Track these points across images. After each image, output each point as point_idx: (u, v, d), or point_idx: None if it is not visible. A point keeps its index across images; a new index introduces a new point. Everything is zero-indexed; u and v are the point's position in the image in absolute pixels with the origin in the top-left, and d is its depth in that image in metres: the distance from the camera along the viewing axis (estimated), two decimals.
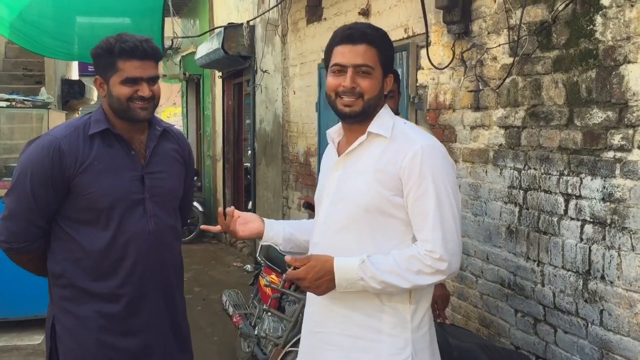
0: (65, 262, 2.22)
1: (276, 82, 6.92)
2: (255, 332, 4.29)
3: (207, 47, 8.28)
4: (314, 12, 5.84)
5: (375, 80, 1.85)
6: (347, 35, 1.86)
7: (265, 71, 7.21)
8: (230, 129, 9.49)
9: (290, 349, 3.71)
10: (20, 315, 4.96)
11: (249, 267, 5.01)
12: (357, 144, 1.90)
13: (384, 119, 1.90)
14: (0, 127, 6.97)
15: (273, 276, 4.37)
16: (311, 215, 4.08)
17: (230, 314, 4.69)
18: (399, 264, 1.78)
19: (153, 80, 2.23)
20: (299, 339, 3.69)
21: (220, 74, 9.57)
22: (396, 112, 2.88)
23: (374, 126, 1.88)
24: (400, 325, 1.85)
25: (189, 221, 9.74)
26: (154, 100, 2.25)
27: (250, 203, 8.27)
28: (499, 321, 3.30)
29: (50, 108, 5.55)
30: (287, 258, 1.90)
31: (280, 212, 6.91)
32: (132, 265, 2.23)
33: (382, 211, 1.83)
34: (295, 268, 1.85)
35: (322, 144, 5.64)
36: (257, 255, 4.84)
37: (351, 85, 1.83)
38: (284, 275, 1.98)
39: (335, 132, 2.02)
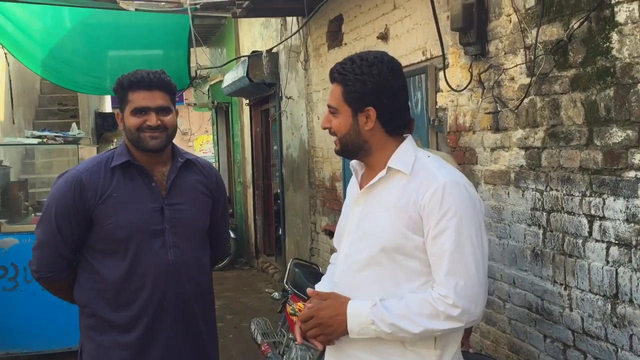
0: (90, 292, 2.30)
1: (300, 108, 6.96)
2: None
3: (232, 76, 8.40)
4: (335, 37, 5.88)
5: (342, 118, 1.81)
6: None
7: (290, 97, 7.27)
8: (259, 156, 9.56)
9: None
10: (54, 347, 5.04)
11: (276, 294, 4.98)
12: (376, 179, 1.83)
13: (406, 153, 1.82)
14: (35, 163, 7.20)
15: (300, 304, 4.35)
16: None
17: (259, 342, 4.68)
18: (410, 308, 1.70)
19: (163, 110, 2.29)
20: None
21: (247, 101, 9.68)
22: None
23: (393, 161, 1.81)
24: None
25: None
26: (166, 130, 2.30)
27: (281, 229, 8.29)
28: (528, 347, 3.21)
29: (80, 144, 5.68)
30: (309, 290, 1.87)
31: (308, 237, 6.90)
32: (149, 296, 2.28)
33: (402, 251, 1.75)
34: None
35: (346, 168, 5.63)
36: (285, 282, 4.83)
37: (324, 126, 1.89)
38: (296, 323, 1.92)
39: (358, 164, 1.95)
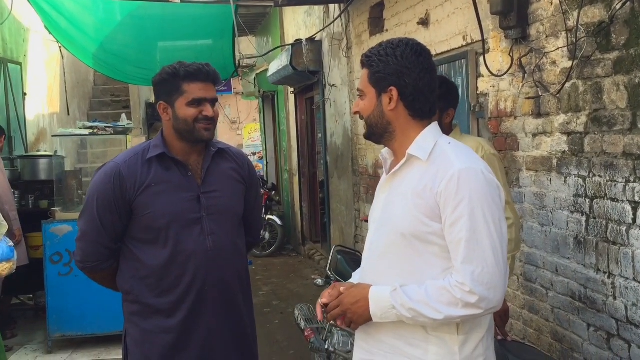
0: (132, 279, 2.38)
1: (344, 96, 6.96)
2: (326, 346, 4.31)
3: (277, 65, 8.46)
4: (377, 24, 5.85)
5: (367, 100, 1.86)
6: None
7: (333, 85, 7.27)
8: (304, 143, 9.61)
9: None
10: (108, 330, 5.22)
11: (319, 281, 5.03)
12: (398, 166, 1.85)
13: (426, 140, 1.83)
14: (88, 153, 7.45)
15: None
16: None
17: (302, 328, 4.74)
18: (429, 294, 1.72)
19: (214, 102, 2.36)
20: None
21: (292, 89, 9.73)
22: (448, 127, 2.82)
23: (413, 147, 1.82)
24: (448, 357, 1.76)
25: (268, 235, 10.00)
26: (214, 121, 2.37)
27: (326, 216, 8.34)
28: (571, 336, 3.16)
29: (129, 133, 5.84)
30: (328, 301, 1.88)
31: (353, 224, 6.93)
32: (190, 282, 2.34)
33: (421, 238, 1.77)
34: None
35: None
36: (328, 269, 4.88)
37: (354, 110, 1.93)
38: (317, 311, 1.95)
39: (387, 152, 1.97)
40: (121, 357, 5.19)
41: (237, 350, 2.46)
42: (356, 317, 1.81)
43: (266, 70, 9.88)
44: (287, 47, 8.15)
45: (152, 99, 13.44)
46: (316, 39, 7.65)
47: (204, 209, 2.36)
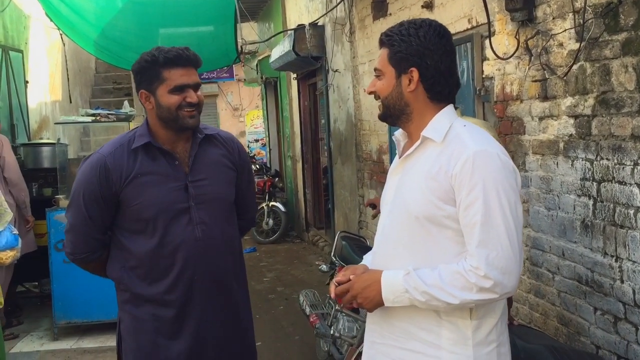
0: (122, 270, 2.34)
1: (347, 81, 6.92)
2: (331, 331, 4.32)
3: (279, 50, 8.40)
4: (380, 8, 5.79)
5: (385, 80, 1.82)
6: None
7: (336, 70, 7.23)
8: (308, 130, 9.58)
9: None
10: (113, 317, 5.15)
11: (324, 267, 5.01)
12: (413, 148, 1.82)
13: (441, 122, 1.80)
14: (90, 140, 7.43)
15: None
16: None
17: (307, 313, 4.74)
18: (443, 279, 1.70)
19: (197, 87, 2.28)
20: None
21: (294, 75, 9.68)
22: None
23: (427, 129, 1.79)
24: (461, 342, 1.75)
25: (271, 222, 10.00)
26: (199, 107, 2.30)
27: (330, 202, 8.32)
28: (578, 320, 3.15)
29: (131, 120, 5.82)
30: (339, 279, 1.87)
31: (357, 210, 6.91)
32: (179, 272, 2.30)
33: (434, 221, 1.74)
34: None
35: (392, 141, 5.58)
36: (332, 255, 4.87)
37: (369, 90, 1.90)
38: (330, 289, 1.94)
39: (401, 134, 1.94)
40: None
41: (231, 339, 2.43)
42: (367, 302, 1.80)
43: (268, 56, 9.82)
44: (289, 32, 8.09)
45: None
46: (319, 23, 7.59)
47: (192, 198, 2.31)
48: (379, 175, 6.13)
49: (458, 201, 1.71)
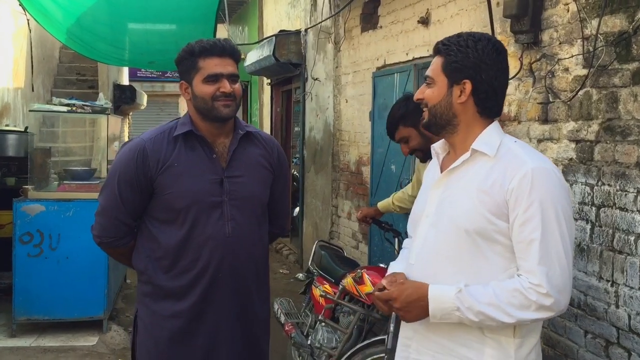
0: (147, 259, 2.30)
1: (327, 90, 6.90)
2: (309, 342, 4.25)
3: (257, 54, 8.33)
4: (369, 20, 5.80)
5: (436, 88, 1.81)
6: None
7: (316, 79, 7.20)
8: (278, 136, 9.51)
9: None
10: (76, 316, 5.03)
11: (300, 275, 4.95)
12: (460, 161, 1.79)
13: (491, 136, 1.78)
14: (60, 132, 7.16)
15: (327, 286, 4.33)
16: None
17: (282, 322, 4.67)
18: (499, 297, 1.66)
19: (234, 77, 2.27)
20: (353, 352, 3.67)
21: (269, 81, 9.61)
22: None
23: (478, 143, 1.77)
24: None
25: None
26: (236, 99, 2.28)
27: (297, 210, 8.25)
28: (566, 342, 3.19)
29: (109, 113, 5.64)
30: (384, 281, 1.83)
31: (329, 220, 6.87)
32: (204, 267, 2.26)
33: (484, 235, 1.71)
34: (382, 289, 1.80)
35: (375, 153, 5.58)
36: (310, 264, 4.81)
37: (417, 97, 1.88)
38: (374, 291, 1.89)
39: (440, 147, 1.91)
40: (89, 344, 5.02)
41: (243, 342, 2.37)
42: (410, 316, 1.76)
43: (241, 59, 9.72)
44: (270, 37, 8.02)
45: (120, 81, 13.13)
46: (301, 31, 7.56)
47: (226, 194, 2.28)
48: (357, 187, 6.11)
49: (513, 217, 1.69)
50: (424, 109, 1.85)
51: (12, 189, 5.62)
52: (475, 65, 1.75)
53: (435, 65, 1.82)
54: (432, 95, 1.82)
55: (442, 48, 1.81)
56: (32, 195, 5.01)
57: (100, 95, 5.96)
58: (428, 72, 1.84)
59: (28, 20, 7.86)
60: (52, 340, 4.91)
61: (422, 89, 1.85)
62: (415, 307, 1.74)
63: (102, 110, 5.53)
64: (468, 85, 1.77)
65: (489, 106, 1.79)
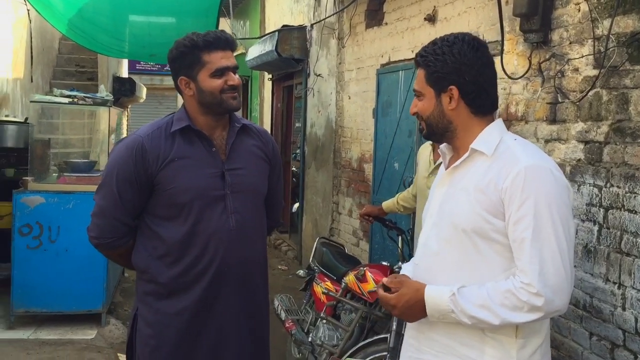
0: (149, 258, 2.27)
1: (330, 87, 6.86)
2: (309, 339, 4.23)
3: (259, 49, 8.29)
4: (374, 16, 5.77)
5: (426, 100, 1.83)
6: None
7: (319, 75, 7.17)
8: (278, 132, 9.48)
9: (347, 359, 3.64)
10: (75, 309, 5.00)
11: (301, 272, 4.93)
12: (460, 160, 1.80)
13: (491, 135, 1.78)
14: (60, 123, 7.11)
15: (328, 283, 4.31)
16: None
17: (283, 318, 4.64)
18: (492, 298, 1.67)
19: (236, 69, 2.27)
20: (355, 350, 3.65)
21: (269, 76, 9.57)
22: None
23: (477, 142, 1.77)
24: None
25: None
26: (239, 89, 2.28)
27: (296, 206, 8.21)
28: (570, 343, 3.17)
29: (110, 105, 5.60)
30: (385, 280, 1.84)
31: (329, 217, 6.85)
32: (209, 261, 2.24)
33: (482, 235, 1.71)
34: (386, 288, 1.81)
35: (378, 150, 5.56)
36: (311, 260, 4.79)
37: (412, 112, 1.90)
38: (376, 289, 1.90)
39: (446, 147, 1.92)
40: (87, 337, 4.98)
41: (249, 336, 2.36)
42: (411, 319, 1.80)
43: (241, 54, 9.67)
44: (273, 32, 7.98)
45: (119, 73, 13.05)
46: (305, 26, 7.52)
47: (228, 187, 2.26)
48: (358, 184, 6.08)
49: (507, 215, 1.69)
50: (421, 122, 1.87)
51: (11, 180, 5.59)
52: (455, 69, 1.76)
53: (419, 78, 1.84)
54: (423, 107, 1.84)
55: (421, 60, 1.83)
56: (32, 186, 4.96)
57: (102, 87, 5.92)
58: (415, 86, 1.87)
59: (28, 10, 7.79)
60: (50, 333, 4.88)
61: (415, 103, 1.88)
62: (414, 310, 1.76)
63: (104, 103, 5.49)
64: (455, 91, 1.78)
65: (481, 103, 1.80)
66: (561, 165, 3.24)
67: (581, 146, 3.10)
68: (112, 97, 5.66)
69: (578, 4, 3.14)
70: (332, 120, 6.80)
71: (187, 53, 2.21)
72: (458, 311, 1.68)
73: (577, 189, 3.12)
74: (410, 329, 1.89)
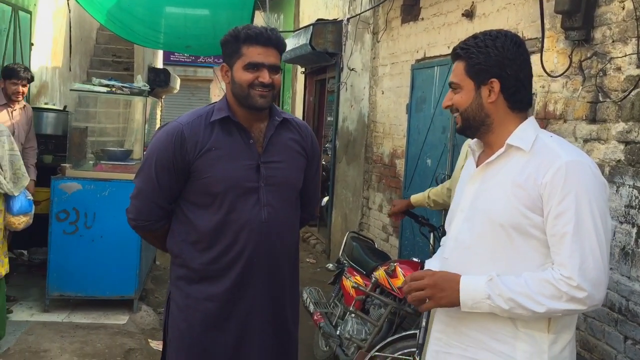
0: (182, 243, 2.31)
1: (363, 81, 6.85)
2: (338, 332, 4.24)
3: (293, 43, 8.31)
4: (410, 11, 5.74)
5: (464, 92, 1.83)
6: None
7: (352, 69, 7.16)
8: (310, 126, 9.48)
9: (376, 353, 3.65)
10: (108, 294, 5.09)
11: (330, 265, 4.95)
12: (495, 156, 1.80)
13: (527, 131, 1.78)
14: (96, 112, 7.25)
15: (358, 277, 4.32)
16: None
17: (311, 311, 4.67)
18: (530, 286, 1.66)
19: (274, 68, 2.26)
20: (384, 345, 3.65)
21: (303, 69, 9.59)
22: None
23: (513, 138, 1.78)
24: (536, 355, 1.71)
25: None
26: (273, 89, 2.27)
27: (326, 199, 8.22)
28: (604, 346, 3.13)
29: (147, 95, 5.68)
30: (415, 273, 1.84)
31: (359, 211, 6.85)
32: (239, 251, 2.27)
33: (520, 230, 1.71)
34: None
35: (410, 146, 5.53)
36: (340, 254, 4.80)
37: (445, 105, 1.89)
38: (403, 283, 1.90)
39: (476, 144, 1.92)
40: (119, 322, 5.08)
41: (275, 328, 2.37)
42: (442, 295, 1.76)
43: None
44: (308, 26, 7.99)
45: (155, 64, 13.21)
46: (340, 20, 7.51)
47: (263, 179, 2.28)
48: (389, 179, 6.07)
49: (547, 210, 1.69)
50: (456, 115, 1.87)
51: (49, 166, 5.71)
52: (498, 62, 1.77)
53: (458, 70, 1.84)
54: (460, 100, 1.84)
55: (462, 52, 1.83)
56: (70, 173, 5.07)
57: (138, 77, 6.00)
58: (452, 79, 1.86)
59: (68, 0, 7.94)
60: (84, 317, 4.99)
61: (449, 96, 1.87)
62: (446, 295, 1.74)
63: (140, 92, 5.57)
64: (496, 84, 1.78)
65: (519, 99, 1.81)
66: (600, 166, 3.19)
67: (621, 147, 3.05)
68: (148, 87, 5.73)
69: (623, 1, 3.08)
70: (364, 115, 6.79)
71: (230, 42, 2.26)
72: (495, 295, 1.67)
73: (616, 190, 3.07)
74: (438, 323, 1.88)
